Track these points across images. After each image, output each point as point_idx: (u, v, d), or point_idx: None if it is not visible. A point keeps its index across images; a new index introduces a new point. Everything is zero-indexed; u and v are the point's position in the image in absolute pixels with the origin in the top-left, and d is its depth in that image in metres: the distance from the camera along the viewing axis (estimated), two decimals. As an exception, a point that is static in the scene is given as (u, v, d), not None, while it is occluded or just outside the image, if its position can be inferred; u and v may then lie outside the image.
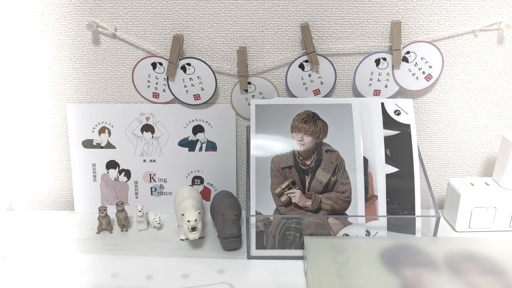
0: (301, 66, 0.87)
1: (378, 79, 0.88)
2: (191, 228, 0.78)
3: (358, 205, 0.81)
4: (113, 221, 0.89)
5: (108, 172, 0.93)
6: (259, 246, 0.80)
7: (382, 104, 0.85)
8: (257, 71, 0.89)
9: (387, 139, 0.84)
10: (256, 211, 0.80)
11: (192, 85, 0.88)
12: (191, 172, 0.94)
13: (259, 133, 0.84)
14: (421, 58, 0.86)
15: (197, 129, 0.92)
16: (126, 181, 0.94)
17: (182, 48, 0.86)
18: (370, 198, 0.82)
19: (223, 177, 0.94)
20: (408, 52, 0.86)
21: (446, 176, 0.98)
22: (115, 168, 0.93)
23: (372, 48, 0.87)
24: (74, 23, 0.85)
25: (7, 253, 0.81)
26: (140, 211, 0.86)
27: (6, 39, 0.86)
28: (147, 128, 0.91)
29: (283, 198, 0.81)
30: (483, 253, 0.75)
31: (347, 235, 0.81)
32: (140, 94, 0.90)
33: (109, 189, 0.94)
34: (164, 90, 0.89)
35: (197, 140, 0.92)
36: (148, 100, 0.91)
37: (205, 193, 0.95)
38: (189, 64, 0.86)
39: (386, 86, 0.89)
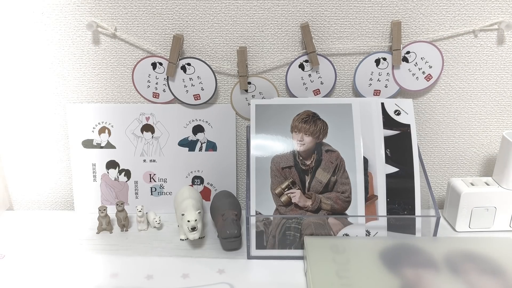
0: (301, 66, 0.87)
1: (378, 79, 0.88)
2: (191, 228, 0.78)
3: (358, 205, 0.81)
4: (113, 221, 0.89)
5: (108, 172, 0.93)
6: (259, 246, 0.80)
7: (382, 104, 0.85)
8: (257, 71, 0.89)
9: (387, 139, 0.84)
10: (256, 211, 0.80)
11: (192, 85, 0.88)
12: (191, 172, 0.94)
13: (259, 133, 0.84)
14: (421, 58, 0.86)
15: (197, 129, 0.92)
16: (126, 181, 0.94)
17: (182, 48, 0.86)
18: (370, 198, 0.82)
19: (223, 177, 0.94)
20: (408, 52, 0.86)
21: (446, 176, 0.98)
22: (115, 168, 0.93)
23: (372, 48, 0.87)
24: (74, 23, 0.85)
25: (7, 253, 0.81)
26: (140, 211, 0.86)
27: (6, 39, 0.86)
28: (147, 128, 0.91)
29: (283, 198, 0.81)
30: (483, 253, 0.75)
31: (347, 235, 0.81)
32: (140, 94, 0.90)
33: (109, 189, 0.94)
34: (164, 90, 0.89)
35: (197, 140, 0.92)
36: (148, 100, 0.91)
37: (205, 193, 0.95)
38: (189, 64, 0.86)
39: (386, 86, 0.89)
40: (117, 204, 0.87)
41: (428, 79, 0.88)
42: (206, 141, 0.92)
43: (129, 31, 0.86)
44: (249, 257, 0.80)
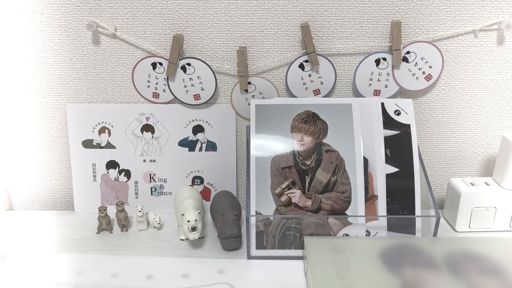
0: (301, 66, 0.87)
1: (378, 79, 0.88)
2: (191, 228, 0.78)
3: (358, 205, 0.81)
4: (113, 221, 0.89)
5: (108, 172, 0.93)
6: (259, 246, 0.80)
7: (382, 104, 0.85)
8: (257, 71, 0.89)
9: (387, 139, 0.84)
10: (256, 211, 0.80)
11: (192, 85, 0.88)
12: (191, 172, 0.94)
13: (259, 133, 0.84)
14: (421, 58, 0.86)
15: (197, 129, 0.92)
16: (126, 181, 0.94)
17: (182, 48, 0.86)
18: (370, 198, 0.82)
19: (223, 177, 0.94)
20: (408, 52, 0.86)
21: (446, 176, 0.98)
22: (115, 168, 0.93)
23: (372, 48, 0.87)
24: (74, 23, 0.85)
25: (7, 253, 0.81)
26: (140, 211, 0.86)
27: (6, 39, 0.86)
28: (147, 128, 0.91)
29: (283, 198, 0.81)
30: (483, 253, 0.75)
31: (347, 235, 0.81)
32: (140, 94, 0.90)
33: (109, 189, 0.94)
34: (164, 90, 0.89)
35: (197, 140, 0.92)
36: (148, 100, 0.91)
37: (205, 193, 0.95)
38: (189, 64, 0.86)
39: (386, 86, 0.89)
40: (117, 204, 0.87)
41: (428, 79, 0.88)
42: (206, 141, 0.92)
43: (129, 31, 0.86)
44: (249, 257, 0.80)
